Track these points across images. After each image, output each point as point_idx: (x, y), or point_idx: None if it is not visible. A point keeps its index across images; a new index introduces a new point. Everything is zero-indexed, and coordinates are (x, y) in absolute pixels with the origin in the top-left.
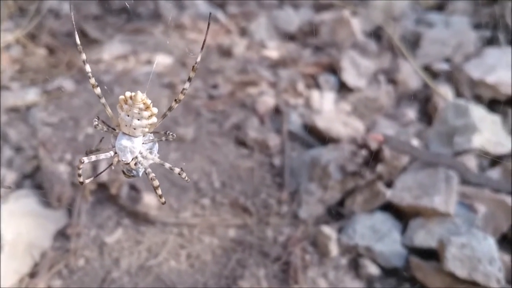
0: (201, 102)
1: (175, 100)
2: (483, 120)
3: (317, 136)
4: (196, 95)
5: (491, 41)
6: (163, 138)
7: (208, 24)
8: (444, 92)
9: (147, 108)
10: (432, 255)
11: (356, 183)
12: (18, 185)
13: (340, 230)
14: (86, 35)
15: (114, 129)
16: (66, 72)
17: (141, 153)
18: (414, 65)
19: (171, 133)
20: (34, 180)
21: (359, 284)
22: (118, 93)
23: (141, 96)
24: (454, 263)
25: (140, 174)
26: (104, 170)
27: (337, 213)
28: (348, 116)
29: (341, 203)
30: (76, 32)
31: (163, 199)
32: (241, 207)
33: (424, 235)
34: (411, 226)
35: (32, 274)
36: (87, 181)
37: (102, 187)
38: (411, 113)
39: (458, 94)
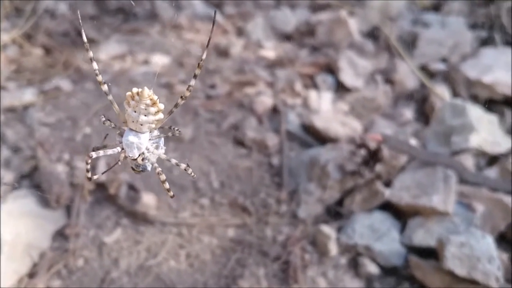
0: (199, 102)
1: (181, 97)
2: (480, 119)
3: (315, 136)
4: (194, 95)
5: (487, 41)
6: (170, 134)
7: (214, 22)
8: (441, 92)
9: (154, 104)
10: (431, 254)
11: (355, 183)
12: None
13: (339, 230)
14: (82, 35)
15: (118, 126)
16: (63, 72)
17: (148, 149)
18: (411, 65)
19: (176, 128)
20: (32, 181)
21: (358, 283)
22: (115, 93)
23: (148, 92)
24: (454, 262)
25: (149, 169)
26: (112, 167)
27: (336, 213)
28: (346, 116)
29: (340, 202)
30: (83, 31)
31: (171, 193)
32: (240, 206)
33: (423, 234)
34: (410, 225)
35: (31, 275)
36: (95, 177)
37: (100, 187)
38: (408, 113)
39: (455, 94)
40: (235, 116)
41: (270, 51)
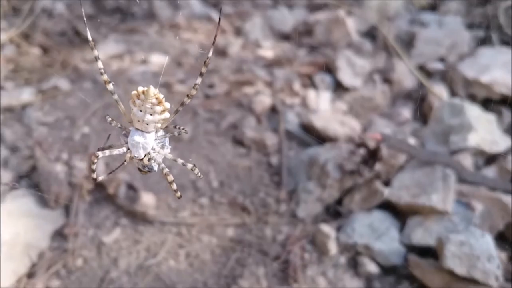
0: (197, 101)
1: (187, 95)
2: (478, 119)
3: (314, 135)
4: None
5: (484, 41)
6: (176, 133)
7: (219, 19)
8: (439, 91)
9: (159, 103)
10: (430, 253)
11: (354, 182)
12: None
13: (338, 229)
14: (80, 35)
15: (124, 126)
16: (61, 72)
17: (154, 149)
18: (409, 65)
19: (183, 127)
20: (31, 180)
21: (358, 282)
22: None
23: (153, 90)
24: (453, 261)
25: (156, 169)
26: (118, 167)
27: (335, 212)
28: (344, 115)
29: (339, 201)
30: (87, 29)
31: (178, 193)
32: (239, 206)
33: (422, 233)
34: (409, 224)
35: (30, 275)
36: (100, 178)
37: (99, 186)
38: (406, 112)
39: (453, 93)
40: (234, 116)
41: (268, 50)
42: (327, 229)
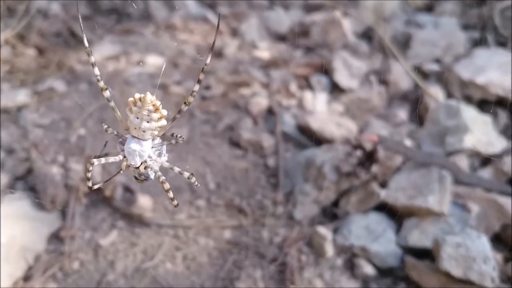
0: (194, 103)
1: (185, 102)
2: (474, 120)
3: (310, 137)
4: (188, 96)
5: (480, 42)
6: (173, 141)
7: (218, 26)
8: (435, 92)
9: (156, 110)
10: (426, 254)
11: (351, 184)
12: (11, 188)
13: (335, 231)
14: (75, 36)
15: (120, 134)
16: (57, 73)
17: (150, 157)
18: (405, 66)
19: (180, 135)
20: (27, 183)
21: (355, 284)
22: (110, 94)
23: (150, 97)
24: (450, 263)
25: (152, 177)
26: (114, 176)
27: (332, 214)
28: (341, 116)
29: (335, 203)
30: (84, 36)
31: (175, 202)
32: (236, 208)
33: (418, 235)
34: (405, 226)
35: (26, 278)
36: (95, 186)
37: (96, 189)
38: (402, 113)
39: (449, 94)
40: (231, 117)
41: (264, 51)
42: (324, 231)
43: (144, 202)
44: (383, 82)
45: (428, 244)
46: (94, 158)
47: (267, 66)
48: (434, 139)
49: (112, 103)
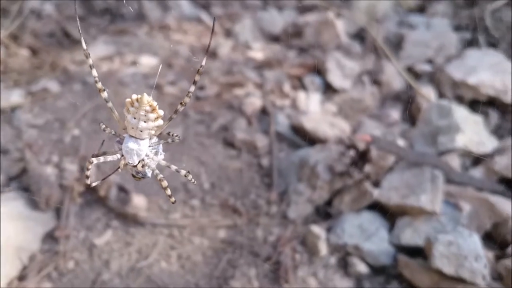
0: (188, 103)
1: (181, 103)
2: (466, 120)
3: (304, 137)
4: (182, 96)
5: (471, 43)
6: (169, 140)
7: (213, 28)
8: (427, 93)
9: (153, 110)
10: (418, 253)
11: (344, 183)
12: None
13: (329, 230)
14: (69, 36)
15: (118, 133)
16: (50, 73)
17: (147, 155)
18: (398, 66)
19: (176, 134)
20: (21, 183)
21: (348, 282)
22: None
23: (147, 98)
24: (442, 261)
25: (149, 175)
26: (112, 173)
27: (325, 213)
28: (334, 116)
29: (329, 203)
30: (82, 39)
31: (173, 199)
32: (230, 207)
33: (411, 234)
34: (398, 224)
35: (21, 277)
36: (93, 184)
37: (90, 189)
38: (395, 113)
39: (441, 95)
40: (225, 117)
41: (258, 52)
42: (318, 230)
43: (138, 202)
44: (376, 82)
45: (420, 243)
46: (93, 156)
47: (261, 66)
48: (426, 138)
49: (110, 104)
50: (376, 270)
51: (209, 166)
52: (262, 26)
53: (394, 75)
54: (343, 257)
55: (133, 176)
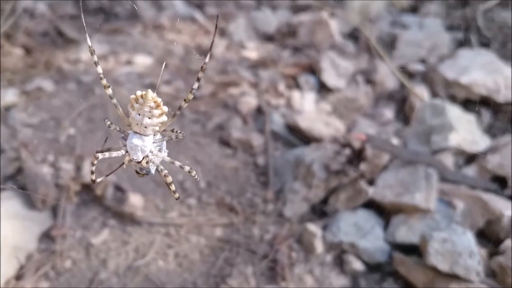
0: (183, 102)
1: (184, 100)
2: (459, 119)
3: (299, 136)
4: (178, 95)
5: (463, 43)
6: (173, 137)
7: (216, 25)
8: (420, 92)
9: (157, 106)
10: (413, 250)
11: (340, 182)
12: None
13: (324, 228)
14: (62, 35)
15: (123, 130)
16: (44, 72)
17: (152, 152)
18: (391, 66)
19: (180, 131)
20: (17, 182)
21: (344, 279)
22: (99, 93)
23: (151, 94)
24: (437, 258)
25: (153, 171)
26: (116, 169)
27: (321, 211)
28: (328, 116)
29: (324, 201)
30: (87, 35)
31: (177, 195)
32: (227, 206)
33: (405, 231)
34: (393, 222)
35: (18, 277)
36: (98, 179)
37: (86, 188)
38: (388, 112)
39: (434, 94)
40: (220, 117)
41: (252, 51)
42: (313, 228)
43: (135, 201)
44: (370, 82)
45: (415, 240)
46: (98, 152)
47: (255, 66)
48: (420, 137)
49: (114, 100)
50: (372, 267)
51: (205, 165)
52: (256, 25)
53: (387, 75)
54: (339, 255)
55: (137, 172)
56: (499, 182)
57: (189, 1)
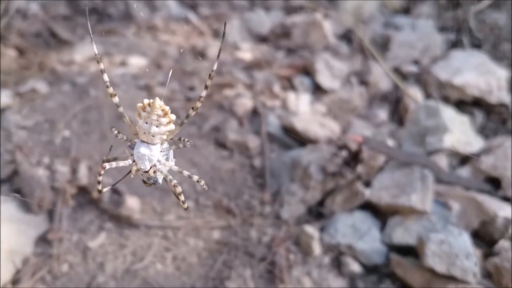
0: (178, 104)
1: (192, 108)
2: (453, 120)
3: (295, 137)
4: (173, 97)
5: (455, 44)
6: (180, 145)
7: (224, 34)
8: (414, 93)
9: (165, 114)
10: (410, 251)
11: (336, 183)
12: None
13: (322, 230)
14: (56, 36)
15: (129, 139)
16: (38, 74)
17: (159, 161)
18: (385, 67)
19: (188, 140)
20: (13, 185)
21: (342, 281)
22: (94, 95)
23: (159, 102)
24: (434, 259)
25: (160, 181)
26: (122, 178)
27: (318, 213)
28: (323, 117)
29: (321, 203)
30: (93, 42)
31: (185, 205)
32: (224, 208)
33: (402, 233)
34: (389, 224)
35: (15, 281)
36: (105, 189)
37: (83, 191)
38: (382, 114)
39: (427, 95)
40: (216, 118)
41: (246, 53)
42: (311, 230)
43: (132, 204)
44: (364, 83)
45: (411, 242)
46: (104, 162)
47: (250, 67)
48: (415, 139)
49: (121, 109)
50: (369, 269)
51: (201, 167)
52: (250, 26)
53: (381, 76)
54: (337, 257)
55: (144, 182)
56: (493, 183)
57: (183, 2)
